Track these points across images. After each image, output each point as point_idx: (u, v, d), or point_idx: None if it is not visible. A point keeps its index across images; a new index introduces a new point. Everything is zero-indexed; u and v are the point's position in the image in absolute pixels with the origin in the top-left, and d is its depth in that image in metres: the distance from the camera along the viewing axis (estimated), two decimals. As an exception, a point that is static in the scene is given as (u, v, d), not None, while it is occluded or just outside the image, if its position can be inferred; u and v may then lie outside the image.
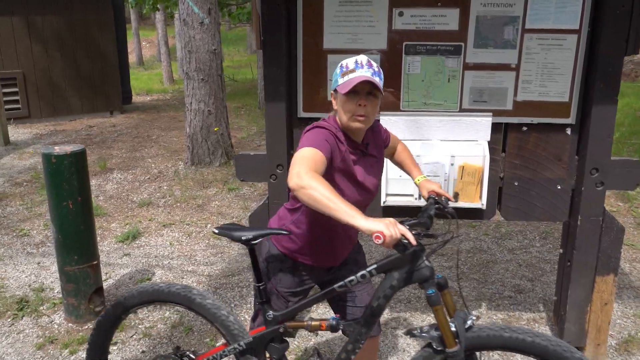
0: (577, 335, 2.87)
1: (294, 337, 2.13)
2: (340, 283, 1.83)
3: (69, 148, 3.12)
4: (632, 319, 3.36)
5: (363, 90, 1.82)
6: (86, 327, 3.28)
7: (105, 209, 5.30)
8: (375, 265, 1.79)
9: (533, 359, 1.77)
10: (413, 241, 1.59)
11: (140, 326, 3.29)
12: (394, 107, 2.71)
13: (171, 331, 3.24)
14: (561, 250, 2.96)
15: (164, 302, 2.13)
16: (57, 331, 3.25)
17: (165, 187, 5.94)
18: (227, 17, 12.47)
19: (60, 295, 3.62)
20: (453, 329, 1.76)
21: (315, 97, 2.73)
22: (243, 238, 1.90)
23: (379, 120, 2.22)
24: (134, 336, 3.19)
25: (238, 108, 10.88)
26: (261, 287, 1.98)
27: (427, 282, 1.75)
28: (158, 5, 12.56)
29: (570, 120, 2.66)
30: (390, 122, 2.72)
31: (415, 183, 2.27)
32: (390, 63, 2.66)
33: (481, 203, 2.71)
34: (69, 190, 3.11)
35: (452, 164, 2.68)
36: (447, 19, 2.59)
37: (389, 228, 1.53)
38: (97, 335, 2.23)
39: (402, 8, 2.60)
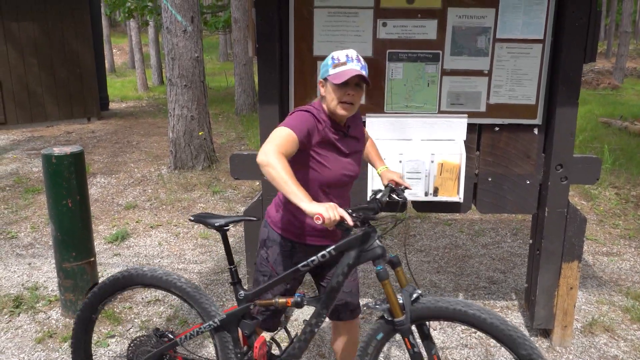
0: (546, 318, 3.14)
1: (283, 327, 2.34)
2: (303, 262, 2.05)
3: (68, 149, 3.25)
4: (596, 304, 3.65)
5: (352, 82, 2.04)
6: (84, 321, 3.40)
7: (92, 211, 5.39)
8: (333, 247, 2.02)
9: (479, 331, 1.97)
10: (350, 222, 1.82)
11: (136, 320, 3.43)
12: (378, 109, 2.95)
13: (166, 324, 3.39)
14: (531, 241, 3.24)
15: (124, 289, 2.29)
16: (55, 326, 3.36)
17: (150, 191, 6.06)
18: (203, 26, 12.62)
19: (55, 293, 3.74)
20: (400, 301, 1.99)
21: (306, 100, 2.95)
22: (216, 224, 2.12)
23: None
24: (131, 329, 3.32)
25: (216, 115, 11.01)
26: (233, 269, 2.19)
27: (378, 260, 1.99)
28: (133, 13, 12.66)
29: (537, 120, 2.94)
30: (375, 123, 2.95)
31: (377, 173, 2.46)
32: (375, 69, 2.90)
33: (459, 197, 2.96)
34: (68, 189, 3.24)
35: (432, 161, 2.93)
36: (427, 29, 2.85)
37: (328, 211, 1.77)
38: (76, 340, 2.38)
39: (386, 19, 2.84)
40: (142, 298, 3.69)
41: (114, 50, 25.33)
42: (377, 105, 2.95)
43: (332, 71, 2.05)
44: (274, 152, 1.88)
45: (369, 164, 2.95)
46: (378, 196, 2.21)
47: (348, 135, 2.19)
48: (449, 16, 2.83)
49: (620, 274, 4.13)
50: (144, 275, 2.26)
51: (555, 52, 2.85)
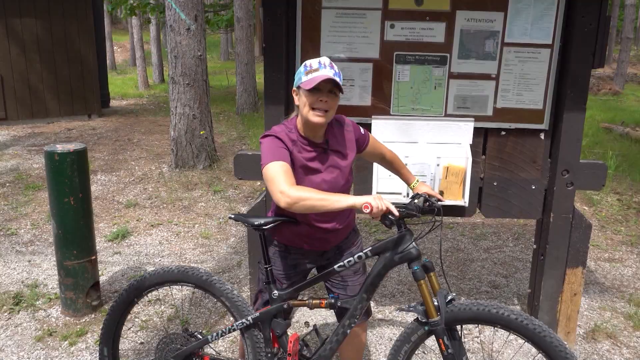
0: (549, 323, 3.12)
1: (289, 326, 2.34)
2: (340, 263, 2.08)
3: (71, 146, 3.23)
4: (598, 311, 3.64)
5: (325, 88, 2.01)
6: (84, 320, 3.37)
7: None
8: (370, 248, 2.05)
9: (516, 335, 1.97)
10: (396, 213, 1.87)
11: (136, 319, 3.40)
12: (384, 111, 2.94)
13: (167, 324, 3.37)
14: (535, 246, 3.22)
15: (175, 283, 2.31)
16: (55, 324, 3.33)
17: (150, 189, 6.03)
18: (206, 24, 12.59)
19: (55, 291, 3.71)
20: (435, 303, 2.01)
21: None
22: (256, 223, 2.13)
23: (347, 119, 2.30)
24: (132, 329, 3.30)
25: (217, 113, 10.98)
26: (268, 269, 2.19)
27: (414, 261, 2.02)
28: (135, 11, 12.63)
29: (544, 125, 2.92)
30: (381, 126, 2.94)
31: (410, 187, 2.48)
32: (382, 71, 2.88)
33: (464, 201, 2.95)
34: (70, 186, 3.22)
35: (437, 165, 2.92)
36: (435, 32, 2.83)
37: (376, 200, 1.82)
38: (111, 318, 2.38)
39: (394, 21, 2.83)
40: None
41: (115, 48, 25.29)
42: (383, 108, 2.94)
43: (304, 78, 2.02)
44: (289, 188, 1.87)
45: (373, 169, 2.94)
46: (416, 200, 2.24)
47: (329, 150, 2.14)
48: (457, 19, 2.81)
49: (623, 280, 4.11)
50: (185, 273, 2.30)
51: (564, 56, 2.83)
